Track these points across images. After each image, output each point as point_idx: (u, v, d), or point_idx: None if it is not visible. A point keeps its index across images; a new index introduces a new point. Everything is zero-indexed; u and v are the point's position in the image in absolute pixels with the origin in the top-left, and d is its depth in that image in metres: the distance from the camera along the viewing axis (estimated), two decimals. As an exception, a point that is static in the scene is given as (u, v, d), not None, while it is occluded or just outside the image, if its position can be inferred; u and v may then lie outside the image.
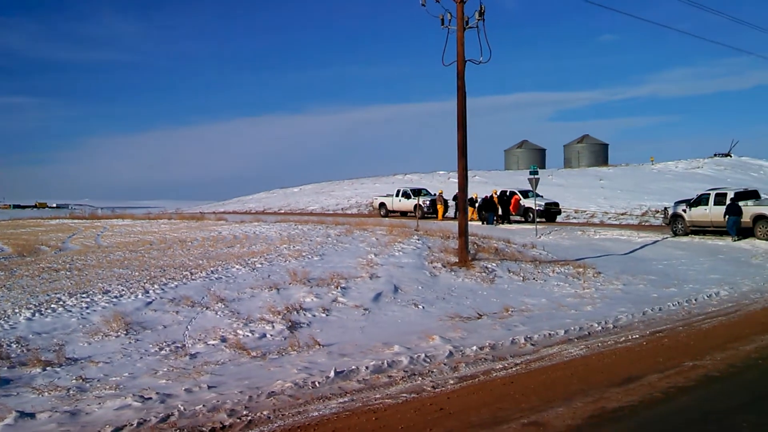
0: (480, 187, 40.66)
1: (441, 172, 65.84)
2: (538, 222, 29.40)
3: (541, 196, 33.62)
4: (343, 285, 14.35)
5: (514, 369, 9.18)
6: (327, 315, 12.46)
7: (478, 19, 17.31)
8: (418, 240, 20.16)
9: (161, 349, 10.01)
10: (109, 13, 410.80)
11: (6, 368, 8.93)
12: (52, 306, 12.25)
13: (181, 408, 7.15)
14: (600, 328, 11.91)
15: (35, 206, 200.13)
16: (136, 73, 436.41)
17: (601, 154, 79.84)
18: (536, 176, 26.99)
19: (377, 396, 7.79)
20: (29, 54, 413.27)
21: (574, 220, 36.91)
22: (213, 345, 10.25)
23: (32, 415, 6.93)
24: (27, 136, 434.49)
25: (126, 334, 10.62)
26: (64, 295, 13.25)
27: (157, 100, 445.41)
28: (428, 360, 9.50)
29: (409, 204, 37.68)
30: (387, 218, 35.65)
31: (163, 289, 13.59)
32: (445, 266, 16.88)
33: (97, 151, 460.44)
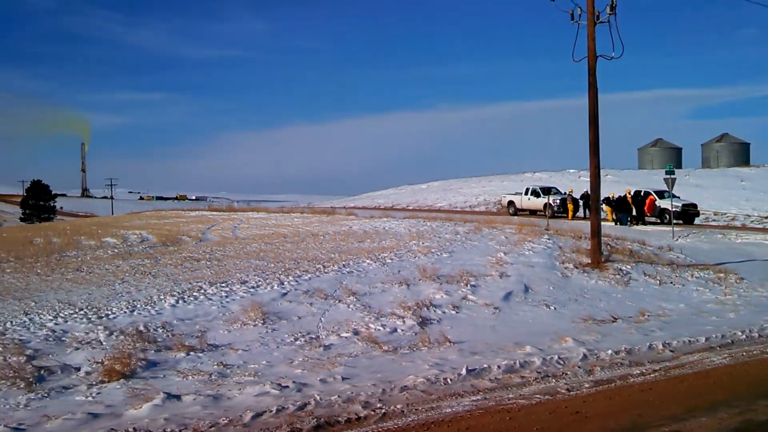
0: (612, 187, 39.37)
1: (571, 171, 64.27)
2: (674, 224, 28.19)
3: (678, 197, 32.18)
4: (472, 283, 14.28)
5: (652, 375, 8.84)
6: (457, 312, 12.44)
7: (610, 14, 16.79)
8: (549, 239, 19.78)
9: (296, 339, 10.29)
10: (240, 13, 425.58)
11: (153, 351, 9.44)
12: (194, 294, 12.86)
13: (317, 397, 7.32)
14: (744, 336, 11.30)
15: (176, 198, 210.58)
16: (268, 70, 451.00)
17: (741, 154, 75.48)
18: (672, 176, 25.91)
19: (510, 396, 7.70)
20: (167, 52, 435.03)
21: (713, 223, 35.13)
22: (345, 337, 10.45)
23: (178, 397, 7.28)
24: (168, 132, 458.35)
25: (263, 324, 11.00)
26: (204, 283, 13.87)
27: (287, 97, 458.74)
28: (561, 362, 9.30)
29: (538, 203, 37.01)
30: (516, 216, 35.14)
31: (297, 281, 13.98)
32: (577, 267, 16.49)
33: (232, 145, 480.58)
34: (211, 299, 12.49)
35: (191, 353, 9.35)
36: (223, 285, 13.70)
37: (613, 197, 32.93)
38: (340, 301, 12.47)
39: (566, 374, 8.78)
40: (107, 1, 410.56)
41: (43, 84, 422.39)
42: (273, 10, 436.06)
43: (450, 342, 10.31)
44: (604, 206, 29.32)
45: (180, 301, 12.28)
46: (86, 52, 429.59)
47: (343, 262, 16.03)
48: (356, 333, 10.65)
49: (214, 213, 45.44)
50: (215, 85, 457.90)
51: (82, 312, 11.63)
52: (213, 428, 6.32)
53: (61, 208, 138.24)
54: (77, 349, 9.51)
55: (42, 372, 8.45)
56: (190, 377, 8.23)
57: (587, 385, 8.27)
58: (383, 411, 7.01)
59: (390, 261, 16.32)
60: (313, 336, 10.48)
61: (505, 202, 41.03)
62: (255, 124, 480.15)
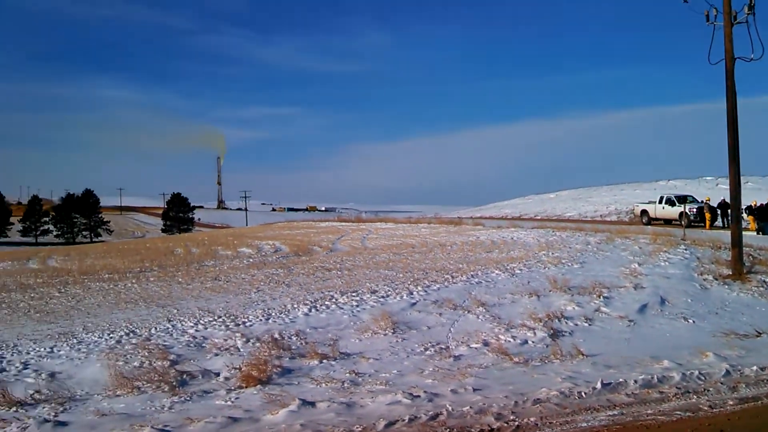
0: (754, 194, 37.22)
1: (708, 178, 61.26)
2: (826, 234, 26.34)
3: (829, 206, 30.06)
4: (605, 294, 13.88)
5: (805, 394, 8.29)
6: (589, 324, 12.11)
7: (748, 13, 15.95)
8: (686, 250, 18.97)
9: (426, 349, 10.33)
10: (367, 27, 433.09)
11: (288, 359, 9.72)
12: (326, 303, 13.16)
13: (449, 408, 7.31)
14: None
15: (307, 209, 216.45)
16: (395, 82, 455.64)
17: None
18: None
19: (648, 411, 7.42)
20: (297, 68, 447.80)
21: None
22: (475, 348, 10.39)
23: (313, 404, 7.46)
24: (298, 145, 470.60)
25: (393, 333, 11.10)
26: (336, 293, 14.17)
27: (414, 107, 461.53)
28: (702, 378, 8.87)
29: (673, 212, 35.49)
30: (649, 226, 33.85)
31: (426, 291, 14.05)
32: (716, 278, 15.71)
33: (360, 157, 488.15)
34: (342, 308, 12.75)
35: (324, 361, 9.56)
36: (353, 294, 13.95)
37: (755, 205, 31.17)
38: (469, 312, 12.42)
39: (708, 390, 8.37)
40: (242, 20, 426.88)
41: (183, 102, 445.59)
42: (399, 23, 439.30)
43: (583, 355, 10.05)
44: (745, 215, 27.79)
45: (312, 310, 12.61)
46: (222, 70, 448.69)
47: (472, 273, 15.97)
48: (486, 344, 10.57)
49: (343, 224, 46.35)
50: (343, 99, 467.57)
51: (220, 319, 12.15)
52: (347, 435, 6.44)
53: (199, 219, 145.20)
54: (216, 355, 9.93)
55: (184, 376, 8.88)
56: (323, 384, 8.41)
57: (731, 403, 7.85)
58: (516, 423, 6.91)
59: (519, 271, 16.12)
60: (443, 346, 10.48)
61: (638, 211, 39.56)
62: (382, 136, 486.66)
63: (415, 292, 13.96)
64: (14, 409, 7.74)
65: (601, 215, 49.59)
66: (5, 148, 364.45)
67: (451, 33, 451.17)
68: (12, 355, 10.46)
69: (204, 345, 10.44)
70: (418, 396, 7.74)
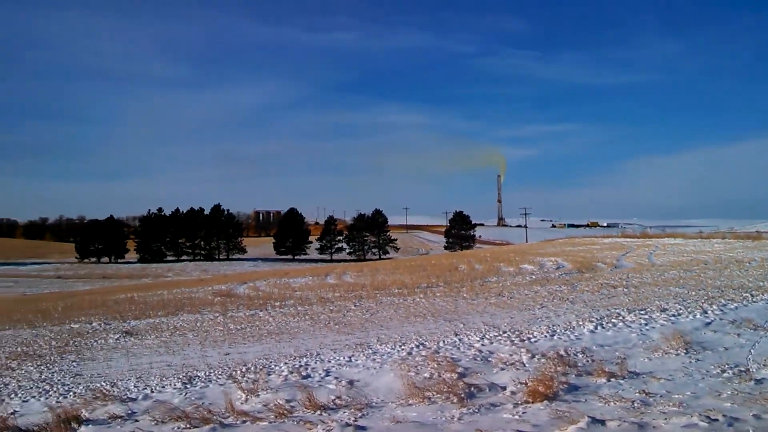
0: None
1: None
2: None
3: None
4: None
5: None
6: None
7: None
8: None
9: (723, 371, 9.66)
10: (652, 36, 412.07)
11: (574, 375, 9.63)
12: (613, 321, 12.83)
13: (752, 434, 6.82)
14: None
15: (587, 225, 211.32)
16: (682, 91, 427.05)
17: None
18: None
19: None
20: (574, 82, 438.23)
21: None
22: (782, 372, 9.53)
23: (603, 422, 7.33)
24: (578, 160, 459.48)
25: (686, 353, 10.53)
26: (622, 310, 13.75)
27: (701, 117, 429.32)
28: None
29: None
30: None
31: (722, 310, 13.13)
32: None
33: (644, 171, 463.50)
34: (629, 326, 12.35)
35: (612, 379, 9.34)
36: (641, 312, 13.45)
37: None
38: (773, 333, 11.41)
39: None
40: (522, 41, 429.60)
41: (465, 123, 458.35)
42: (684, 30, 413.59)
43: None
44: None
45: (598, 328, 12.37)
46: (502, 90, 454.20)
47: (779, 290, 14.66)
48: (796, 368, 9.64)
49: (628, 240, 44.69)
50: (624, 112, 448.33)
51: (505, 335, 12.36)
52: (640, 456, 6.26)
53: (480, 236, 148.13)
54: (502, 369, 10.12)
55: (472, 389, 9.16)
56: (611, 403, 8.23)
57: None
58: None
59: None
60: (742, 368, 9.72)
61: None
62: (667, 148, 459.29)
63: (709, 311, 13.11)
64: (318, 412, 8.53)
65: None
66: (307, 174, 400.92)
67: (739, 36, 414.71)
68: (316, 363, 11.55)
69: (490, 359, 10.69)
70: (717, 419, 7.29)
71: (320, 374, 10.66)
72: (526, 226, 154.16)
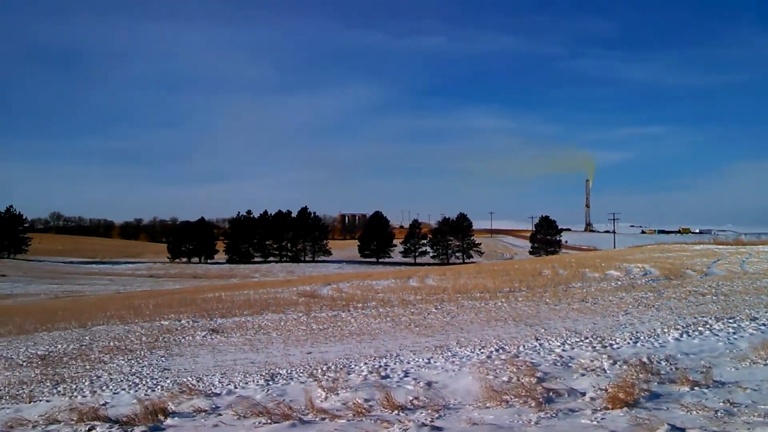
0: None
1: None
2: None
3: None
4: None
5: None
6: None
7: None
8: None
9: (819, 382, 9.34)
10: (743, 32, 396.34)
11: (656, 383, 9.46)
12: (699, 329, 12.52)
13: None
14: None
15: (679, 231, 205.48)
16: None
17: None
18: None
19: None
20: (667, 83, 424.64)
21: None
22: None
23: (682, 430, 7.21)
24: (670, 164, 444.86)
25: (775, 364, 10.21)
26: (710, 318, 13.41)
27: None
28: None
29: None
30: None
31: (819, 320, 12.67)
32: None
33: (741, 176, 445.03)
34: (717, 335, 12.04)
35: (695, 388, 9.13)
36: (730, 321, 13.09)
37: None
38: None
39: None
40: (610, 42, 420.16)
41: (551, 127, 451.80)
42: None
43: None
44: None
45: (684, 335, 12.10)
46: (590, 92, 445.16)
47: None
48: None
49: (720, 246, 43.33)
50: (718, 113, 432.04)
51: (587, 340, 12.23)
52: (719, 466, 6.15)
53: (566, 241, 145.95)
54: (582, 375, 10.02)
55: (550, 393, 9.11)
56: (694, 412, 8.06)
57: None
58: None
59: None
60: (838, 379, 9.38)
61: None
62: (764, 152, 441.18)
63: (804, 321, 12.66)
64: (396, 412, 8.66)
65: None
66: (392, 178, 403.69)
67: None
68: (395, 363, 11.69)
69: (570, 365, 10.61)
70: (805, 432, 7.08)
71: (399, 375, 10.80)
72: (614, 232, 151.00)
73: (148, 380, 12.43)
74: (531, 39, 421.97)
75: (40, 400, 11.10)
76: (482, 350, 12.20)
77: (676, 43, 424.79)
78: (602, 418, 7.98)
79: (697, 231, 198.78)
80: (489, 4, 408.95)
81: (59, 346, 17.44)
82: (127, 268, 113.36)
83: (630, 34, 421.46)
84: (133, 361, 14.71)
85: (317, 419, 8.54)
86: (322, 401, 9.50)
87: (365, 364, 11.89)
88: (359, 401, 9.12)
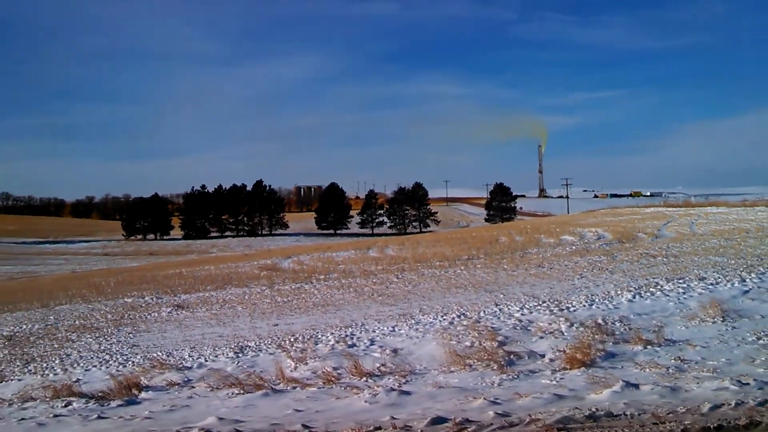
0: None
1: None
2: None
3: None
4: None
5: None
6: None
7: None
8: None
9: (759, 338, 9.85)
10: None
11: (611, 343, 9.92)
12: (651, 290, 13.07)
13: (780, 396, 7.08)
14: None
15: (630, 195, 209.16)
16: (732, 54, 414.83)
17: None
18: None
19: None
20: (619, 49, 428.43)
21: None
22: (814, 338, 9.72)
23: (636, 386, 7.65)
24: (621, 128, 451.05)
25: (722, 321, 10.73)
26: (661, 279, 13.97)
27: (751, 80, 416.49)
28: None
29: None
30: None
31: (760, 279, 13.29)
32: None
33: (689, 137, 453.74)
34: (667, 295, 12.58)
35: (648, 347, 9.61)
36: (680, 281, 13.66)
37: None
38: (808, 299, 11.56)
39: None
40: (564, 4, 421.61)
41: (505, 92, 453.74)
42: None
43: None
44: None
45: (636, 297, 12.62)
46: (544, 56, 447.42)
47: (816, 258, 14.71)
48: (827, 334, 9.82)
49: (670, 209, 44.41)
50: (671, 76, 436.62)
51: (544, 304, 12.69)
52: (671, 414, 6.55)
53: (521, 208, 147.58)
54: (541, 338, 10.47)
55: (511, 356, 9.53)
56: (647, 369, 8.52)
57: None
58: None
59: None
60: (779, 335, 9.94)
61: None
62: (715, 113, 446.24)
63: (748, 280, 13.27)
64: (364, 378, 8.98)
65: None
66: (347, 148, 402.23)
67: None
68: (361, 332, 12.02)
69: (529, 328, 11.04)
70: (747, 384, 7.55)
71: (365, 343, 11.12)
72: (567, 197, 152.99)
73: (118, 356, 12.57)
74: (484, 3, 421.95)
75: (12, 380, 11.20)
76: (444, 317, 12.58)
77: (627, 6, 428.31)
78: (561, 378, 8.40)
79: (648, 194, 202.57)
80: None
81: (24, 327, 17.39)
82: (81, 247, 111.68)
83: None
84: (101, 339, 14.79)
85: (289, 388, 8.83)
86: (292, 371, 9.77)
87: (332, 334, 12.18)
88: (328, 369, 9.42)
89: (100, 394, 9.20)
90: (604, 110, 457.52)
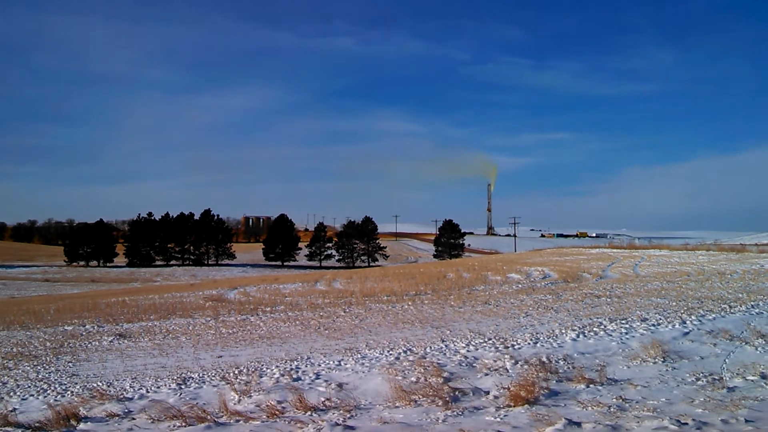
0: None
1: None
2: None
3: None
4: None
5: None
6: None
7: None
8: None
9: (698, 379, 10.08)
10: (646, 46, 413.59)
11: (555, 381, 10.03)
12: (594, 329, 13.27)
13: (717, 437, 7.23)
14: None
15: (577, 235, 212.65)
16: (677, 102, 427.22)
17: None
18: None
19: None
20: (570, 91, 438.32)
21: None
22: (752, 380, 9.92)
23: (579, 424, 7.74)
24: (569, 170, 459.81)
25: (663, 362, 10.95)
26: (604, 320, 14.20)
27: (698, 128, 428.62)
28: None
29: None
30: None
31: (700, 321, 13.59)
32: None
33: (635, 181, 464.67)
34: (610, 335, 12.78)
35: (591, 385, 9.74)
36: (623, 322, 13.90)
37: None
38: (746, 343, 11.83)
39: None
40: (518, 48, 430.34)
41: (458, 131, 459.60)
42: (682, 40, 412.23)
43: None
44: None
45: (580, 336, 12.80)
46: (496, 98, 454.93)
47: (752, 303, 15.14)
48: (764, 377, 10.07)
49: (615, 250, 45.23)
50: (618, 122, 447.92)
51: (490, 342, 12.77)
52: (612, 455, 6.66)
53: (469, 245, 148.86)
54: (486, 374, 10.52)
55: (456, 393, 9.55)
56: (589, 408, 8.62)
57: None
58: (792, 458, 6.68)
59: (808, 303, 14.95)
60: (716, 377, 10.16)
61: None
62: (660, 159, 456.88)
63: (688, 321, 13.57)
64: (309, 413, 8.90)
65: None
66: (298, 180, 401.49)
67: (736, 46, 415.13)
68: (306, 366, 11.93)
69: (475, 365, 11.09)
70: (686, 423, 7.70)
71: (311, 377, 11.04)
72: (515, 236, 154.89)
73: (56, 386, 12.21)
74: (439, 43, 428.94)
75: (-58, 409, 10.79)
76: (391, 352, 12.57)
77: (581, 53, 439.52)
78: (505, 415, 8.44)
79: (594, 235, 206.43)
80: (397, 8, 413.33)
81: (-43, 354, 16.83)
82: (21, 272, 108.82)
83: (537, 42, 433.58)
84: (39, 367, 14.38)
85: (232, 421, 8.69)
86: (235, 404, 9.64)
87: (277, 367, 12.06)
88: (273, 403, 9.31)
89: (37, 424, 8.93)
90: (554, 152, 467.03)
